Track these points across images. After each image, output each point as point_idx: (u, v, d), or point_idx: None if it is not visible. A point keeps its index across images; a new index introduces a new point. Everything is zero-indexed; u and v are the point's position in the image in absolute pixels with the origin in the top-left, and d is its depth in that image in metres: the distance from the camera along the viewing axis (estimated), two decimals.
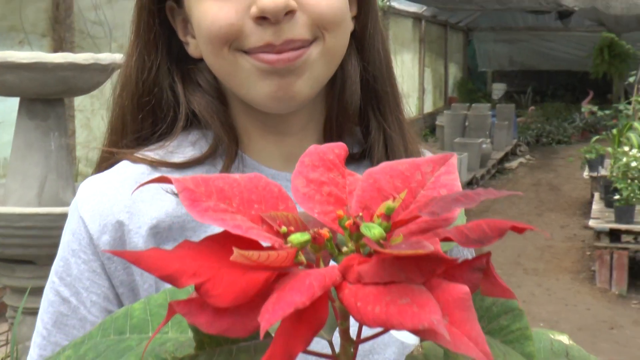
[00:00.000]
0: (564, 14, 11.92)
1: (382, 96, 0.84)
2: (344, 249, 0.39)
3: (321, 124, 0.84)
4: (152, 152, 0.80)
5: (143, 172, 0.78)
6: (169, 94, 0.81)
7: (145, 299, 0.47)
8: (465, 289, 0.33)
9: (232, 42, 0.73)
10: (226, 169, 0.78)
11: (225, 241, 0.39)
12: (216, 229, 0.81)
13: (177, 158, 0.80)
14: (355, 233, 0.37)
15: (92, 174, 0.82)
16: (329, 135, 0.83)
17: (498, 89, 16.09)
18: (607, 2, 7.32)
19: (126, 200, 0.76)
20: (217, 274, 0.37)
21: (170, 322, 0.45)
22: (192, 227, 0.76)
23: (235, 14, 0.72)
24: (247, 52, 0.73)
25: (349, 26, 0.78)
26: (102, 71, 2.32)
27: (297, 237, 0.37)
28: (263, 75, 0.73)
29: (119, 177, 0.78)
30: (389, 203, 0.37)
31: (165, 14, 0.81)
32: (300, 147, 0.82)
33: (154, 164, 0.79)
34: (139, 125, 0.82)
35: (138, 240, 0.75)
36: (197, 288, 0.36)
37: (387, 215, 0.37)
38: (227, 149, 0.79)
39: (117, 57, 2.27)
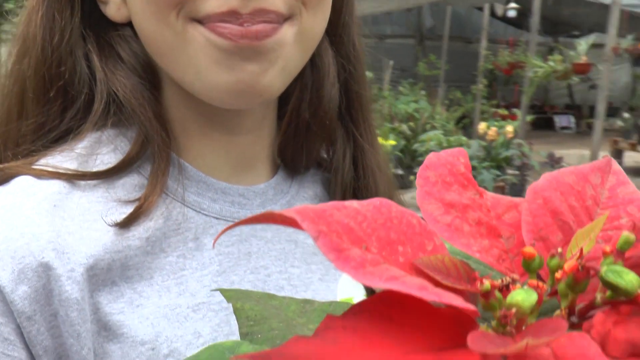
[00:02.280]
0: None
1: (356, 99, 0.68)
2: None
3: (274, 120, 0.67)
4: (58, 159, 0.57)
5: (59, 191, 0.56)
6: (85, 67, 0.58)
7: None
8: None
9: (184, 4, 0.53)
10: (157, 179, 0.57)
11: (386, 309, 0.25)
12: (168, 265, 0.61)
13: (95, 165, 0.58)
14: (583, 282, 0.26)
15: None
16: (292, 140, 0.66)
17: None
18: None
19: (48, 233, 0.53)
20: None
21: None
22: (134, 264, 0.56)
23: None
24: (201, 21, 0.54)
25: (329, 5, 0.61)
26: None
27: (524, 298, 0.24)
28: (220, 57, 0.54)
29: (29, 201, 0.54)
30: (627, 234, 0.26)
31: None
32: (254, 150, 0.65)
33: (71, 178, 0.56)
34: (45, 107, 0.59)
35: (72, 288, 0.52)
36: None
37: (622, 252, 0.26)
38: (158, 152, 0.58)
39: None
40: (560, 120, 11.83)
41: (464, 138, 4.84)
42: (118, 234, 0.56)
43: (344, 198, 0.69)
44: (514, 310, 0.24)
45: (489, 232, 0.29)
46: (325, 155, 0.73)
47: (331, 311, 0.38)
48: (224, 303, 0.58)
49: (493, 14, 9.74)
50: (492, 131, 4.72)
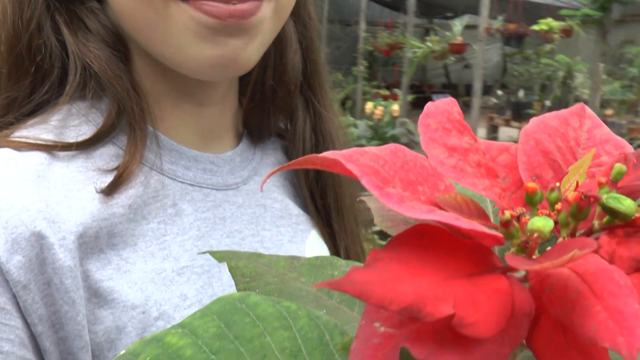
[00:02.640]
0: None
1: (313, 67, 0.70)
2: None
3: (237, 91, 0.68)
4: (34, 132, 0.56)
5: (41, 162, 0.55)
6: (55, 41, 0.57)
7: (181, 330, 0.30)
8: None
9: None
10: (135, 147, 0.57)
11: (420, 242, 0.27)
12: (150, 231, 0.61)
13: (72, 137, 0.57)
14: (586, 209, 0.29)
15: None
16: (258, 108, 0.67)
17: None
18: None
19: (37, 203, 0.52)
20: (462, 292, 0.25)
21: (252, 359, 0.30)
22: (119, 231, 0.56)
23: None
24: None
25: None
26: None
27: (544, 224, 0.27)
28: (204, 33, 0.55)
29: (13, 173, 0.53)
30: (620, 166, 0.29)
31: None
32: (220, 120, 0.66)
33: (51, 149, 0.55)
34: (18, 82, 0.58)
35: (65, 256, 0.52)
36: (446, 319, 0.24)
37: (616, 182, 0.29)
38: (135, 123, 0.58)
39: None
40: (438, 99, 12.27)
41: (351, 118, 4.94)
42: (103, 202, 0.56)
43: None
44: (535, 235, 0.27)
45: (487, 172, 0.31)
46: (282, 125, 0.75)
47: (318, 265, 0.40)
48: (205, 266, 0.60)
49: None
50: (379, 110, 4.84)
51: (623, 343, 0.22)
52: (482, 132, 7.39)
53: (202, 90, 0.64)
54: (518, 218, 0.28)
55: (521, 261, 0.24)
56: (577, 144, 0.33)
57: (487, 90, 9.72)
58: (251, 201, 0.67)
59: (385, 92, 8.18)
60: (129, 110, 0.58)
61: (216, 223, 0.63)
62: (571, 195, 0.28)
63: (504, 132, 8.33)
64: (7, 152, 0.55)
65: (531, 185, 0.29)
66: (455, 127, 0.32)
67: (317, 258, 0.40)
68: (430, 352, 0.24)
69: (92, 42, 0.59)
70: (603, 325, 0.23)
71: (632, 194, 0.30)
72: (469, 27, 8.52)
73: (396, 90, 8.09)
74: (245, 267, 0.38)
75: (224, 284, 0.61)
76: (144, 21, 0.56)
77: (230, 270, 0.38)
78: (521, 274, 0.28)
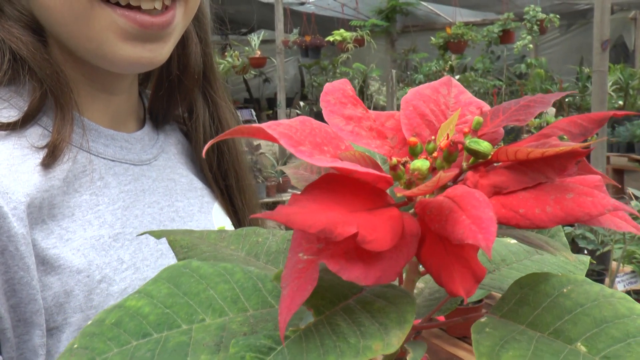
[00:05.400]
0: None
1: (209, 59, 0.77)
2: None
3: (137, 82, 0.74)
4: None
5: None
6: None
7: (138, 295, 0.36)
8: (597, 177, 0.36)
9: None
10: (64, 125, 0.62)
11: (329, 186, 0.34)
12: (84, 202, 0.68)
13: (1, 118, 0.61)
14: (455, 153, 0.37)
15: None
16: (165, 97, 0.74)
17: None
18: None
19: None
20: (364, 219, 0.32)
21: (200, 308, 0.36)
22: (57, 203, 0.60)
23: None
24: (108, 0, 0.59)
25: None
26: None
27: (422, 164, 0.35)
28: (125, 36, 0.60)
29: None
30: (478, 118, 0.37)
31: None
32: (126, 107, 0.73)
33: None
34: None
35: (18, 225, 0.55)
36: (352, 237, 0.32)
37: (476, 131, 0.37)
38: (63, 105, 0.62)
39: None
40: (242, 114, 12.30)
41: None
42: (42, 175, 0.60)
43: (204, 144, 0.80)
44: (416, 172, 0.34)
45: (378, 134, 0.39)
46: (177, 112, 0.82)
47: (244, 234, 0.47)
48: (134, 233, 0.66)
49: None
50: None
51: (482, 239, 0.30)
52: None
53: (112, 80, 0.70)
54: (403, 164, 0.36)
55: (405, 190, 0.32)
56: (447, 107, 0.41)
57: (289, 102, 9.77)
58: (163, 175, 0.75)
59: None
60: (57, 93, 0.63)
61: (137, 195, 0.70)
62: (443, 143, 0.36)
63: None
64: None
65: (412, 139, 0.37)
66: (349, 101, 0.40)
67: (242, 229, 0.47)
68: (342, 266, 0.31)
69: (15, 29, 0.63)
70: (468, 228, 0.30)
71: (491, 141, 0.38)
72: (266, 42, 8.73)
73: None
74: (182, 240, 0.44)
75: (151, 249, 0.67)
76: (68, 15, 0.61)
77: (170, 244, 0.44)
78: (410, 210, 0.36)
